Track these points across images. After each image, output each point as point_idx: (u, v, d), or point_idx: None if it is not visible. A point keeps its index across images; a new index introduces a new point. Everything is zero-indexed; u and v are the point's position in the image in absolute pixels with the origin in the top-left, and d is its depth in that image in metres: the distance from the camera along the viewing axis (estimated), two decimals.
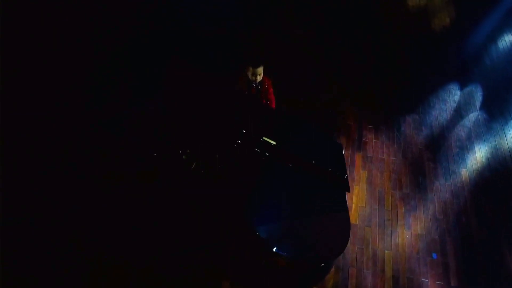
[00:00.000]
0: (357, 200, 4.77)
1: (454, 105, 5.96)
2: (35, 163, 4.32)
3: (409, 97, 6.00)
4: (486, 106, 5.94)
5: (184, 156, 3.51)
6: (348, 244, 4.35)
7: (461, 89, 6.18)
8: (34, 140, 4.43)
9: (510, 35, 7.11)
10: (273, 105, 4.63)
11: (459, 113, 5.85)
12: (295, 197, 3.34)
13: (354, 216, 4.62)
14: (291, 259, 3.06)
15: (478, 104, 5.99)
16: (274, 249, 3.03)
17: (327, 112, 5.59)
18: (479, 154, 5.36)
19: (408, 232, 4.55)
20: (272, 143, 3.39)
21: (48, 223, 3.98)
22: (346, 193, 3.65)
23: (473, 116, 5.82)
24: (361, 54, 6.49)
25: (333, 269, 4.15)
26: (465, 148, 5.42)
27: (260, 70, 4.16)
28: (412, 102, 5.94)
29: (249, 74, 4.15)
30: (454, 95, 6.10)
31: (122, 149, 3.79)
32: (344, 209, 3.42)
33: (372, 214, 4.67)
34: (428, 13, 7.45)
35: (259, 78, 4.21)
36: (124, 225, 4.00)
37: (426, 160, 5.25)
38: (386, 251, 4.39)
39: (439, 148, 5.39)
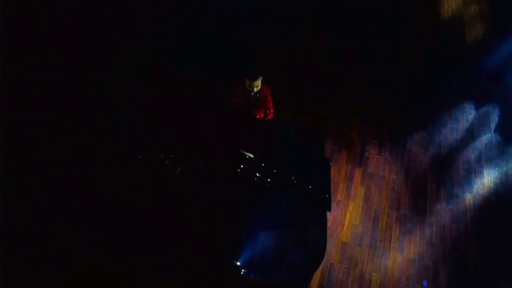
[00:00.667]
0: (350, 217, 4.61)
1: (467, 125, 5.68)
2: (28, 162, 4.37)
3: (419, 113, 5.74)
4: (501, 128, 5.63)
5: (166, 161, 3.49)
6: (335, 263, 4.24)
7: (477, 108, 5.88)
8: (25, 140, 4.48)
9: None
10: (271, 114, 4.56)
11: (471, 134, 5.57)
12: (269, 215, 3.22)
13: (346, 234, 4.48)
14: (259, 281, 2.96)
15: (493, 125, 5.68)
16: (242, 272, 2.94)
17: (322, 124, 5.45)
18: (487, 179, 5.08)
19: (400, 256, 4.36)
20: (249, 156, 3.29)
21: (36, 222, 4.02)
22: (341, 207, 3.50)
23: (486, 138, 5.52)
24: (375, 66, 6.28)
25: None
26: (473, 171, 5.15)
27: (258, 82, 4.11)
28: (422, 119, 5.68)
29: (247, 84, 4.11)
30: (468, 114, 5.81)
31: (113, 150, 3.78)
32: (322, 229, 3.28)
33: (365, 233, 4.50)
34: (452, 28, 7.15)
35: (256, 89, 4.16)
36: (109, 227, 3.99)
37: (429, 181, 5.02)
38: (374, 274, 4.22)
39: (445, 170, 5.14)
